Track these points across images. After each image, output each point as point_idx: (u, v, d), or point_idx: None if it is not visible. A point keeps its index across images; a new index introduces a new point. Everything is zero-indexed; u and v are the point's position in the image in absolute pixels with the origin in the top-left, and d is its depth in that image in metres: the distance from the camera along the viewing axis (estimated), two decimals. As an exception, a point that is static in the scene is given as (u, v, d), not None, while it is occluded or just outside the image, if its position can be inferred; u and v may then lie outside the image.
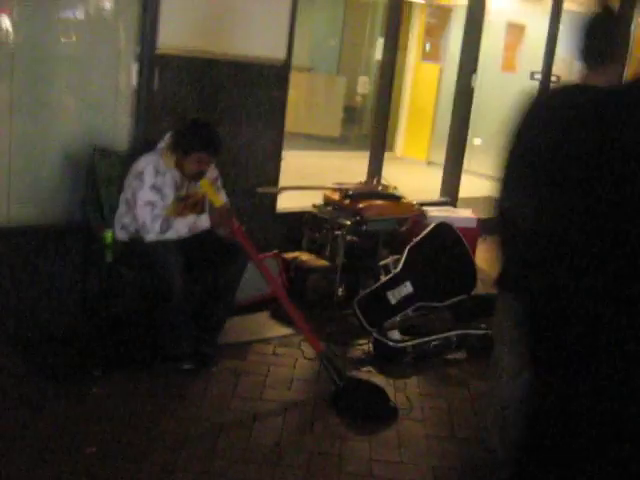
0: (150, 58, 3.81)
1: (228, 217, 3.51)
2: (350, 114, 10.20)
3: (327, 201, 4.68)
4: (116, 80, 3.84)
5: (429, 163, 9.28)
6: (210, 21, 4.02)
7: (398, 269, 4.14)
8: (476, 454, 3.00)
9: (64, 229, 3.73)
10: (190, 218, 3.46)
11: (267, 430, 3.01)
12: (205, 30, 4.01)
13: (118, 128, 3.88)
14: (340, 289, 4.49)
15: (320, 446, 2.93)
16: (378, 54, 7.44)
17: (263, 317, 4.13)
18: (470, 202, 6.30)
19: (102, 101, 3.83)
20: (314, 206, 4.70)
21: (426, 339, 3.81)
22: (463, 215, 5.14)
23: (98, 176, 3.64)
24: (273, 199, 4.60)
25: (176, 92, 3.94)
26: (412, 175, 8.17)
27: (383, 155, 5.58)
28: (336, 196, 4.67)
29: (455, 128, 6.03)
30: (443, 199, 5.90)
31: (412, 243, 4.31)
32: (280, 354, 3.73)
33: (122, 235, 3.54)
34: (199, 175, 3.51)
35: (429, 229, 4.43)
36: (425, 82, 10.67)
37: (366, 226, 4.55)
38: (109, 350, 3.45)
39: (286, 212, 4.72)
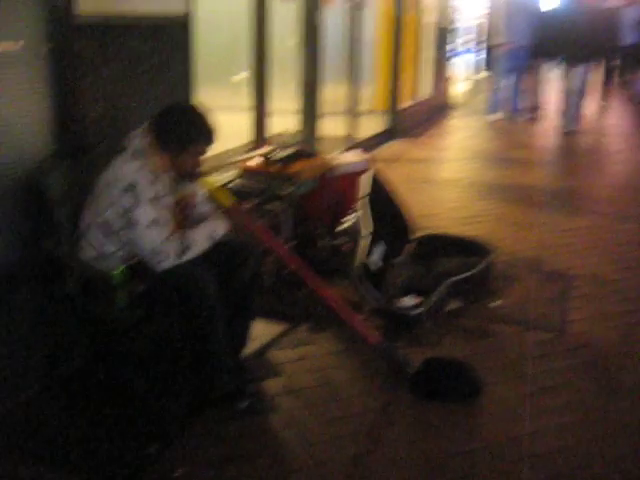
0: (66, 29, 2.83)
1: (246, 216, 2.85)
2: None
3: (249, 171, 4.07)
4: (26, 63, 2.78)
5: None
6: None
7: (371, 228, 3.81)
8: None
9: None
10: (206, 227, 2.73)
11: (413, 442, 2.59)
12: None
13: (40, 126, 2.85)
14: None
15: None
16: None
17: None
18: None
19: (13, 94, 2.76)
20: (234, 181, 4.06)
21: (434, 297, 3.59)
22: (357, 159, 4.88)
23: (51, 195, 2.67)
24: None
25: (98, 66, 3.02)
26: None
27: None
28: (258, 164, 4.09)
29: (309, 68, 5.64)
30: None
31: (364, 198, 3.99)
32: (307, 356, 3.21)
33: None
34: (197, 173, 2.78)
35: (368, 180, 4.15)
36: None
37: (298, 191, 4.08)
38: (150, 420, 2.64)
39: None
